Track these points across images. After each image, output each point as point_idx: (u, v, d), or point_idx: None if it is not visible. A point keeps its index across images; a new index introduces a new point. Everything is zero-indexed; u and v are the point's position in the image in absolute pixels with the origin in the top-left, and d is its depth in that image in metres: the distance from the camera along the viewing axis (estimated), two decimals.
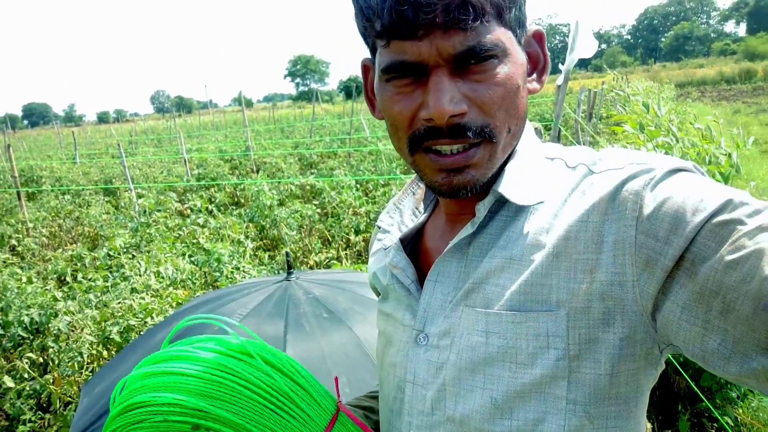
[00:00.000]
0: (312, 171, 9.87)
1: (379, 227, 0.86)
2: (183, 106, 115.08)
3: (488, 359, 0.65)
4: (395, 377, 0.77)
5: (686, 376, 2.46)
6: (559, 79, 3.98)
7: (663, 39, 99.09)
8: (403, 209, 0.85)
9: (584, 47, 3.49)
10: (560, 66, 3.90)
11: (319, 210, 6.70)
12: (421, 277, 0.76)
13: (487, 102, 0.62)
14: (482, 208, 0.68)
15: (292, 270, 1.88)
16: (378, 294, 0.88)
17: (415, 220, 0.83)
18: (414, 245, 0.82)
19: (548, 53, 0.72)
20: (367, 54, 0.74)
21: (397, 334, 0.77)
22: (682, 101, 18.02)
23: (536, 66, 0.71)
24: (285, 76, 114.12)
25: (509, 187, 0.68)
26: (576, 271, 0.62)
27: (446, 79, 0.61)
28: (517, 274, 0.65)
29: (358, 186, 7.62)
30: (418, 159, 0.67)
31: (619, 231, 0.59)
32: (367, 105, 0.77)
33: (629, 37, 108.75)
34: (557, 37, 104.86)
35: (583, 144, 7.73)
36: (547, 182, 0.69)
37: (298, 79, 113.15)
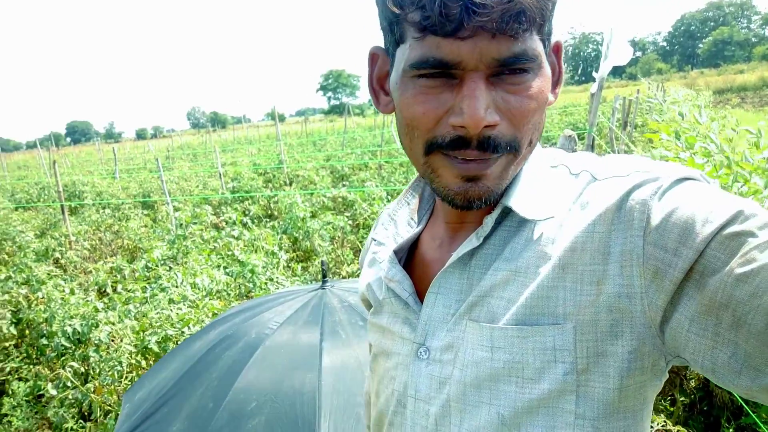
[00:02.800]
0: (344, 183, 9.96)
1: (374, 239, 0.84)
2: (218, 121, 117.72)
3: (494, 375, 0.64)
4: (394, 391, 0.75)
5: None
6: (593, 87, 3.94)
7: (701, 45, 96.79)
8: (398, 220, 0.83)
9: (619, 55, 3.46)
10: (594, 74, 3.86)
11: (351, 221, 6.74)
12: (417, 290, 0.74)
13: (517, 115, 0.60)
14: (490, 221, 0.67)
15: (326, 278, 1.90)
16: (369, 306, 0.86)
17: (410, 231, 0.81)
18: (409, 256, 0.80)
19: (563, 66, 0.70)
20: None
21: (395, 347, 0.75)
22: (721, 108, 17.53)
23: (552, 78, 0.69)
24: (317, 90, 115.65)
25: (517, 200, 0.66)
26: (582, 283, 0.60)
27: (483, 86, 0.58)
28: (523, 287, 0.63)
29: (390, 197, 7.63)
30: (434, 161, 0.63)
31: (626, 242, 0.58)
32: (371, 95, 0.73)
33: (665, 44, 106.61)
34: (590, 46, 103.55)
35: (618, 153, 7.59)
36: (553, 193, 0.67)
37: (329, 93, 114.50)
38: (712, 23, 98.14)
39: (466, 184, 0.63)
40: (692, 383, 2.99)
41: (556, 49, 0.69)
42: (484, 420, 0.64)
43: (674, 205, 0.56)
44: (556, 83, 0.70)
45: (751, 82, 34.61)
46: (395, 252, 0.77)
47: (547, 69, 0.63)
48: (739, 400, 2.20)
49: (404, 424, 0.73)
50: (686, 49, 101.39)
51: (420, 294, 0.74)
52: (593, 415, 0.61)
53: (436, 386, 0.69)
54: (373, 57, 0.72)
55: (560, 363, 0.61)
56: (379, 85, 0.72)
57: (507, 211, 0.68)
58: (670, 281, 0.55)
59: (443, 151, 0.62)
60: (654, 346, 0.59)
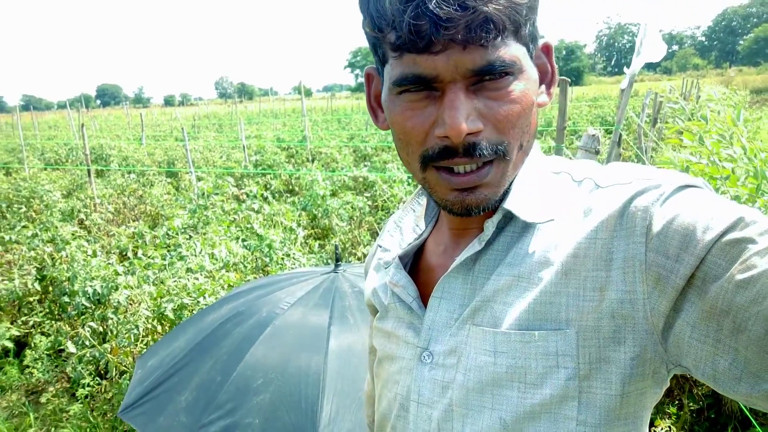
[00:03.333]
0: (365, 163, 9.95)
1: (380, 246, 0.85)
2: (245, 92, 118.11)
3: (497, 379, 0.65)
4: (397, 395, 0.76)
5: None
6: (624, 83, 3.85)
7: (741, 42, 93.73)
8: (404, 227, 0.85)
9: (652, 51, 3.37)
10: (625, 69, 3.78)
11: (370, 202, 6.76)
12: (422, 295, 0.76)
13: (501, 120, 0.61)
14: (491, 225, 0.67)
15: (339, 262, 1.92)
16: (375, 311, 0.87)
17: (415, 238, 0.82)
18: (414, 262, 0.81)
19: (556, 65, 0.71)
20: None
21: (399, 351, 0.77)
22: (758, 108, 17.02)
23: (544, 78, 0.70)
24: (345, 67, 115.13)
25: (518, 203, 0.67)
26: (585, 289, 0.61)
27: (462, 96, 0.60)
28: (526, 292, 0.64)
29: (410, 181, 7.62)
30: (429, 176, 0.65)
31: (628, 248, 0.59)
32: (369, 113, 0.76)
33: (704, 38, 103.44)
34: (625, 37, 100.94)
35: (646, 150, 7.44)
36: (555, 198, 0.68)
37: (357, 71, 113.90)
38: (755, 19, 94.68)
39: (462, 194, 0.64)
40: (702, 389, 2.97)
41: (546, 49, 0.69)
42: (487, 425, 0.65)
43: (676, 211, 0.57)
44: (549, 83, 0.70)
45: None
46: (400, 258, 0.79)
47: (530, 72, 0.64)
48: (746, 411, 2.18)
49: (407, 428, 0.74)
50: (725, 45, 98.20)
51: (425, 299, 0.75)
52: (595, 421, 0.62)
53: (439, 390, 0.69)
54: (368, 77, 0.75)
55: (562, 368, 0.62)
56: (376, 103, 0.75)
57: (509, 217, 0.69)
58: (672, 287, 0.55)
59: (435, 164, 0.64)
60: (656, 353, 0.59)
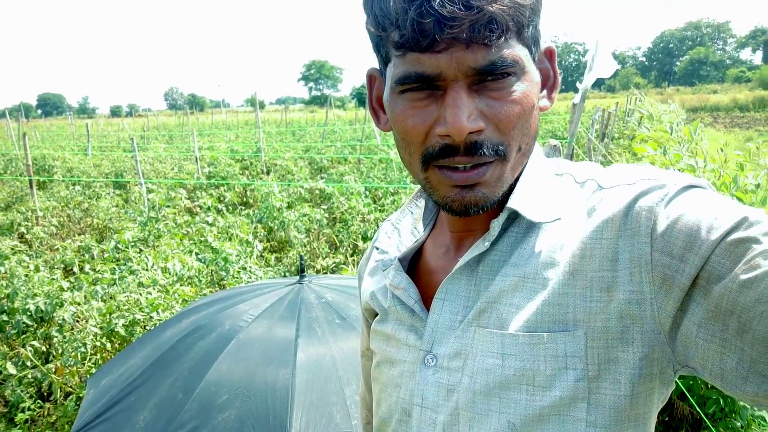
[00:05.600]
0: (322, 176, 9.90)
1: (377, 248, 0.84)
2: (196, 104, 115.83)
3: (505, 382, 0.64)
4: (399, 399, 0.74)
5: (692, 401, 2.44)
6: (576, 98, 3.99)
7: (678, 63, 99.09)
8: (402, 229, 0.84)
9: (603, 67, 3.51)
10: (578, 84, 3.91)
11: (327, 215, 6.71)
12: (423, 297, 0.75)
13: (503, 120, 0.61)
14: (497, 225, 0.67)
15: (304, 273, 1.88)
16: (373, 315, 0.86)
17: (414, 240, 0.81)
18: (412, 265, 0.80)
19: (558, 70, 0.71)
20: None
21: (400, 354, 0.75)
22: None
23: (546, 83, 0.70)
24: (299, 80, 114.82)
25: (523, 203, 0.67)
26: (592, 290, 0.61)
27: (464, 95, 0.60)
28: (532, 293, 0.64)
29: (368, 193, 7.62)
30: (431, 175, 0.65)
31: (633, 248, 0.59)
32: (371, 116, 0.76)
33: (644, 59, 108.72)
34: (572, 56, 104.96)
35: (595, 163, 7.72)
36: (559, 198, 0.68)
37: (311, 84, 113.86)
38: (689, 42, 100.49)
39: (462, 191, 0.64)
40: None
41: (549, 54, 0.70)
42: (494, 428, 0.64)
43: (680, 212, 0.57)
44: (552, 88, 0.71)
45: (724, 103, 35.62)
46: (399, 260, 0.77)
47: (532, 74, 0.64)
48: (700, 413, 2.26)
49: None
50: (664, 66, 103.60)
51: (426, 302, 0.74)
52: (604, 422, 0.61)
53: (444, 394, 0.68)
54: (371, 79, 0.75)
55: (571, 370, 0.61)
56: (378, 104, 0.75)
57: (513, 218, 0.69)
58: (678, 287, 0.56)
59: (436, 163, 0.64)
60: (663, 353, 0.60)
